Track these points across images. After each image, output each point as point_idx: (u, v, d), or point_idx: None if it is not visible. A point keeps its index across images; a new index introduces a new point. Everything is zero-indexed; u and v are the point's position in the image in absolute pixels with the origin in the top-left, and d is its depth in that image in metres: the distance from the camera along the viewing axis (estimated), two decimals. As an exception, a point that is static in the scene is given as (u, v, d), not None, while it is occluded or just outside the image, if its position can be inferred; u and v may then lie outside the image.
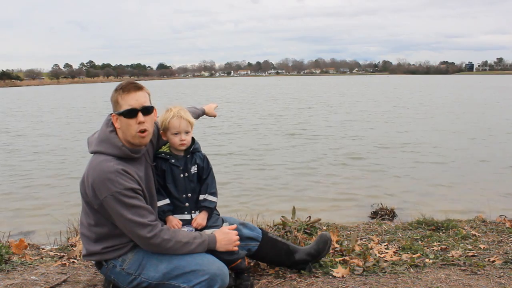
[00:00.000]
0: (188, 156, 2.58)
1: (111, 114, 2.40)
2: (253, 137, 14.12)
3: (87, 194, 2.30)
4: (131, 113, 2.29)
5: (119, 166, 2.26)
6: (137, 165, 2.38)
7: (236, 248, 2.52)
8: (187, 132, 2.53)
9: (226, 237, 2.48)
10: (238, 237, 2.53)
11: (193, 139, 2.59)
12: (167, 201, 2.54)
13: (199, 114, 3.08)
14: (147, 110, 2.33)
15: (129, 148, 2.34)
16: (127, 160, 2.33)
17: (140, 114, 2.29)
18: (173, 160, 2.55)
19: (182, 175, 2.55)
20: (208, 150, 10.87)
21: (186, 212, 2.55)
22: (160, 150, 2.59)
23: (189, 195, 2.56)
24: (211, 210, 2.59)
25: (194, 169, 2.57)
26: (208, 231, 2.51)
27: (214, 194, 2.60)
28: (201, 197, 2.58)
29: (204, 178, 2.60)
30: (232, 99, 35.09)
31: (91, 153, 2.38)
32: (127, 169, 2.28)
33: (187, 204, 2.55)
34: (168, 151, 2.58)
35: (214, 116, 3.34)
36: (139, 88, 2.34)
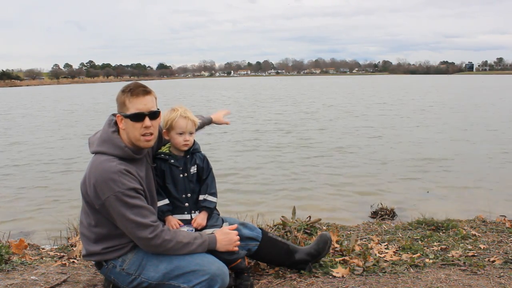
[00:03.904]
0: (188, 156, 2.58)
1: (113, 114, 2.41)
2: (254, 138, 14.12)
3: (88, 194, 2.30)
4: (138, 117, 2.29)
5: (122, 166, 2.26)
6: (139, 166, 2.39)
7: (236, 249, 2.52)
8: (191, 133, 2.54)
9: (226, 237, 2.49)
10: (238, 237, 2.53)
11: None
12: (166, 201, 2.54)
13: (204, 122, 3.03)
14: (154, 115, 2.34)
15: (132, 149, 2.34)
16: (129, 160, 2.33)
17: (147, 119, 2.30)
18: (172, 161, 2.55)
19: (181, 175, 2.55)
20: (209, 149, 10.87)
21: (186, 212, 2.56)
22: (159, 150, 2.60)
23: (189, 195, 2.56)
24: (211, 210, 2.60)
25: (193, 169, 2.58)
26: (208, 231, 2.51)
27: (214, 194, 2.61)
28: (201, 197, 2.58)
29: (204, 179, 2.61)
30: (238, 101, 35.07)
31: (93, 153, 2.38)
32: (129, 169, 2.29)
33: (186, 204, 2.56)
34: (167, 151, 2.58)
35: (227, 124, 3.22)
36: (148, 92, 2.34)
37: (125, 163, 2.29)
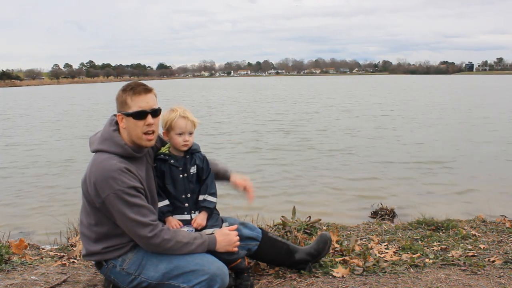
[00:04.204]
0: (188, 157, 2.58)
1: (114, 114, 2.41)
2: (254, 139, 14.12)
3: (89, 193, 2.30)
4: (140, 115, 2.31)
5: (122, 165, 2.27)
6: (139, 165, 2.39)
7: (236, 249, 2.52)
8: (190, 133, 2.53)
9: (226, 238, 2.49)
10: (238, 238, 2.53)
11: None
12: (166, 202, 2.53)
13: (220, 172, 2.75)
14: (156, 113, 2.36)
15: (132, 147, 2.35)
16: (129, 159, 2.34)
17: (149, 116, 2.32)
18: (172, 161, 2.54)
19: (181, 176, 2.54)
20: (209, 148, 10.87)
21: (185, 213, 2.55)
22: (159, 151, 2.59)
23: (189, 195, 2.55)
24: (211, 211, 2.59)
25: (193, 169, 2.57)
26: (208, 231, 2.51)
27: (214, 194, 2.60)
28: (201, 197, 2.58)
29: (204, 179, 2.60)
30: (238, 101, 35.06)
31: (93, 151, 2.39)
32: (130, 167, 2.29)
33: (186, 204, 2.55)
34: (167, 152, 2.58)
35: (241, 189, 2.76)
36: (149, 90, 2.36)
37: (125, 162, 2.30)
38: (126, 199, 2.23)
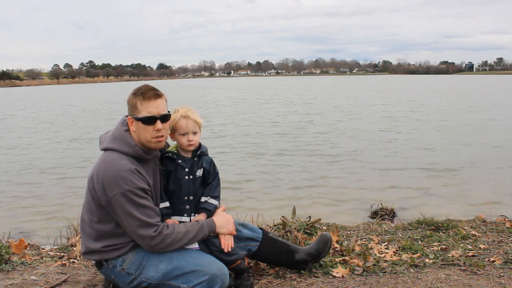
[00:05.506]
0: (195, 159, 2.56)
1: (126, 115, 2.42)
2: (254, 138, 14.12)
3: (95, 190, 2.31)
4: (150, 120, 2.32)
5: (132, 166, 2.28)
6: (147, 167, 2.40)
7: (234, 232, 2.55)
8: (194, 133, 2.51)
9: (223, 217, 2.52)
10: (232, 218, 2.57)
11: (199, 143, 2.58)
12: (166, 204, 2.52)
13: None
14: (165, 118, 2.37)
15: (142, 149, 2.36)
16: (138, 160, 2.35)
17: (158, 122, 2.33)
18: (180, 161, 2.53)
19: (186, 177, 2.53)
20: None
21: (185, 215, 2.53)
22: (167, 149, 2.58)
23: (191, 197, 2.54)
24: (210, 213, 2.56)
25: (199, 172, 2.56)
26: None
27: (217, 198, 2.59)
28: (203, 199, 2.56)
29: (209, 182, 2.59)
30: (239, 102, 35.00)
31: (103, 149, 2.40)
32: (139, 169, 2.31)
33: (187, 206, 2.54)
34: (175, 151, 2.57)
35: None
36: (159, 95, 2.36)
37: (135, 163, 2.31)
38: (134, 199, 2.24)
